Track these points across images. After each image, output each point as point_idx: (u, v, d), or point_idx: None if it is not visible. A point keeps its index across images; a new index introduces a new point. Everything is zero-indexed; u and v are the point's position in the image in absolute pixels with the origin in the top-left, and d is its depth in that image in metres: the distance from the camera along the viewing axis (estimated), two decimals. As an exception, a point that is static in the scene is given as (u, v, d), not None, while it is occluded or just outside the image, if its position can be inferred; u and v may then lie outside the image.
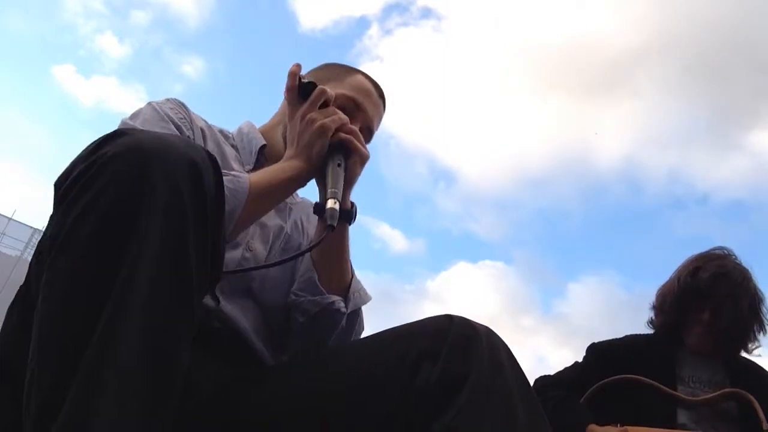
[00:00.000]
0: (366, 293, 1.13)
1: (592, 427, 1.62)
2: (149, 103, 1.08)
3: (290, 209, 1.19)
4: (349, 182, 1.03)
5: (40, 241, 0.74)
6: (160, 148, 0.66)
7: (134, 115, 1.04)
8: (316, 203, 1.01)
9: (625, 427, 1.60)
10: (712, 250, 1.91)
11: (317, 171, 1.01)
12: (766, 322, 1.84)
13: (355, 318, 1.10)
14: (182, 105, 1.11)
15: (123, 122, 1.03)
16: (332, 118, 1.02)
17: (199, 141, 1.08)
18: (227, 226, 0.87)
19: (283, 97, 1.21)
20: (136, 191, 0.64)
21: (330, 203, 0.95)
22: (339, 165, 1.01)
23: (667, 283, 1.95)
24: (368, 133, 1.17)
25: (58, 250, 0.64)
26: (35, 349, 0.63)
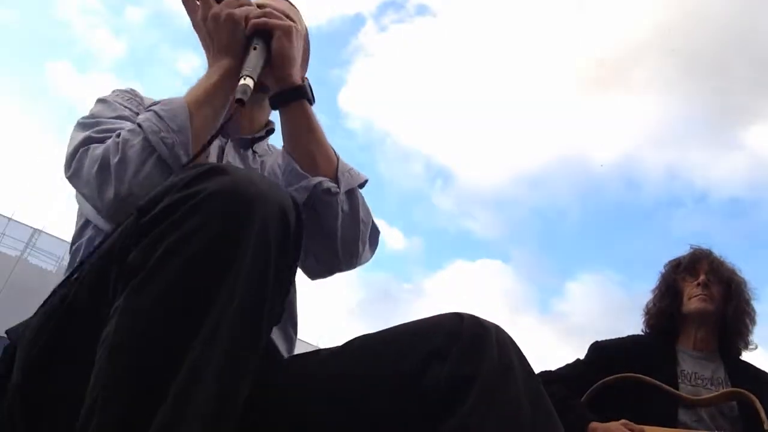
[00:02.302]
0: (358, 173, 1.06)
1: (594, 425, 1.62)
2: (98, 100, 1.07)
3: (262, 162, 1.16)
4: (283, 60, 0.99)
5: (104, 254, 0.72)
6: (255, 192, 0.67)
7: (85, 117, 1.03)
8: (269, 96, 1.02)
9: (626, 422, 1.60)
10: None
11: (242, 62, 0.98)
12: (752, 297, 1.95)
13: (355, 200, 1.04)
14: (131, 91, 1.10)
15: (75, 125, 1.01)
16: (237, 9, 0.99)
17: None
18: (185, 151, 0.89)
19: None
20: (231, 234, 0.64)
21: (240, 81, 0.91)
22: (255, 48, 0.97)
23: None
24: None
25: (144, 280, 0.63)
26: (104, 377, 0.61)
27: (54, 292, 0.84)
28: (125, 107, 1.04)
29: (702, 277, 1.92)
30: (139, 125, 0.89)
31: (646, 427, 1.61)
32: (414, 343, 0.80)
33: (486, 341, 0.77)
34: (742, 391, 1.71)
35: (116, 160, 0.86)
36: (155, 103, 0.99)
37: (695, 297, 1.91)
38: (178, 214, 0.65)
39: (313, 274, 1.08)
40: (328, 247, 1.02)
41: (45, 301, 0.82)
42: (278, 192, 0.70)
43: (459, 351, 0.76)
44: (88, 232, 1.02)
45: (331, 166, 1.02)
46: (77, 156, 0.91)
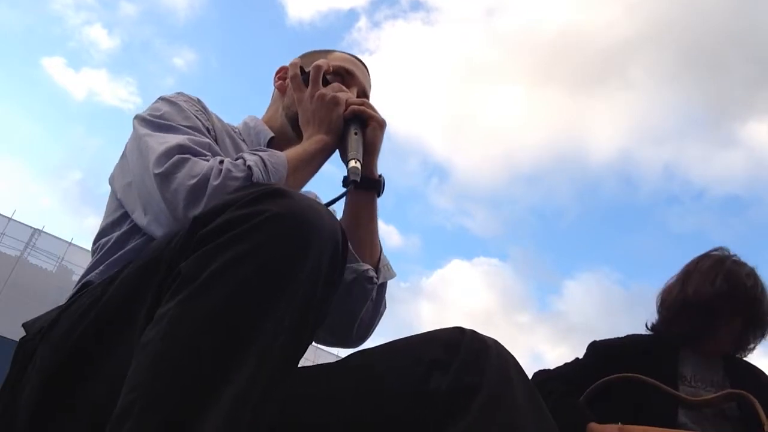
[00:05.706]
0: (392, 270, 1.16)
1: (592, 425, 1.62)
2: (164, 99, 1.07)
3: None
4: (372, 150, 1.10)
5: (151, 260, 0.74)
6: (314, 218, 0.70)
7: (153, 113, 1.03)
8: (344, 176, 1.06)
9: (623, 425, 1.60)
10: (722, 254, 1.92)
11: (339, 142, 1.09)
12: None
13: (383, 293, 1.13)
14: (200, 102, 1.12)
15: (140, 119, 1.03)
16: (341, 93, 1.11)
17: (221, 136, 1.11)
18: None
19: (272, 89, 1.29)
20: (290, 256, 0.67)
21: (351, 162, 1.03)
22: (356, 133, 1.08)
23: (675, 285, 1.93)
24: (364, 96, 1.23)
25: (198, 290, 0.64)
26: (146, 382, 0.61)
27: (83, 288, 0.86)
28: (197, 117, 1.06)
29: (740, 321, 1.83)
30: (249, 166, 0.92)
31: (641, 428, 1.60)
32: (416, 354, 0.83)
33: (487, 354, 0.80)
34: (742, 392, 1.70)
35: (215, 183, 0.88)
36: (240, 128, 1.16)
37: (723, 337, 1.85)
38: (238, 231, 0.66)
39: (323, 342, 1.14)
40: (347, 326, 1.08)
41: (73, 298, 0.84)
42: (333, 221, 0.72)
43: (460, 362, 0.79)
44: (123, 228, 1.02)
45: (376, 257, 1.13)
46: (174, 160, 0.91)
